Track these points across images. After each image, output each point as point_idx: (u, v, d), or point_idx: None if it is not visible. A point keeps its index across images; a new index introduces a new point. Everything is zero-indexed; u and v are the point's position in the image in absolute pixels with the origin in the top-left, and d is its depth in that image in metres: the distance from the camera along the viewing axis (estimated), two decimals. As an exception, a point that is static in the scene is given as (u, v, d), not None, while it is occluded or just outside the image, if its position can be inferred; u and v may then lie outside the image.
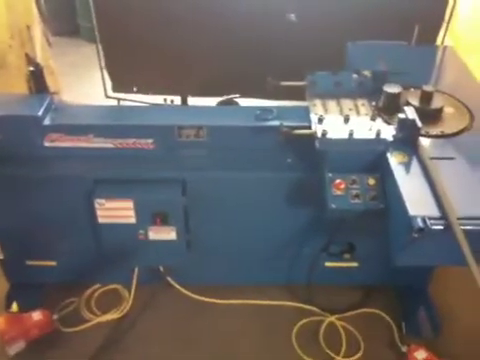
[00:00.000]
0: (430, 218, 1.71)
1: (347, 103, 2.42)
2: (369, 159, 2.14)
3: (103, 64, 4.14)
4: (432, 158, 1.96)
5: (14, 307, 2.76)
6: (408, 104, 2.23)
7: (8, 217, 2.68)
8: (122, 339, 2.80)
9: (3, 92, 3.12)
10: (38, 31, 4.01)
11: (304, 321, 2.88)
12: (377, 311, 2.94)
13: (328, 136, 2.14)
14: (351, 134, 2.13)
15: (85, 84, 5.08)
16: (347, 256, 2.80)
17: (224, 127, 2.47)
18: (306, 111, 2.40)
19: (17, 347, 2.64)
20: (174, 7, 3.61)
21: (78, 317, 2.91)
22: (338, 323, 2.87)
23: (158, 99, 3.63)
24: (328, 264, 2.83)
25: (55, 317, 2.78)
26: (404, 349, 2.67)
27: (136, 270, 2.88)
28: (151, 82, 3.93)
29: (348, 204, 2.11)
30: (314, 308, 2.93)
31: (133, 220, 2.58)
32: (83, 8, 5.65)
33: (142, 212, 2.56)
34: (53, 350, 2.72)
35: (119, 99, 4.31)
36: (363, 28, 3.20)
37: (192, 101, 3.87)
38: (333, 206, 2.11)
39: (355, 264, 2.84)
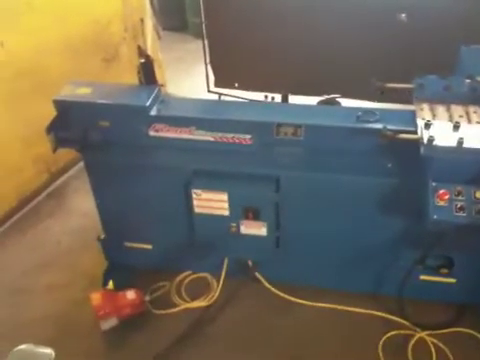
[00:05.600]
0: None
1: (458, 109, 2.28)
2: (478, 170, 2.01)
3: (207, 59, 4.26)
4: None
5: (110, 285, 2.91)
6: (527, 115, 2.07)
7: (111, 200, 2.85)
8: (206, 327, 2.86)
9: (114, 82, 3.30)
10: (150, 25, 4.21)
11: (393, 333, 2.76)
12: (472, 332, 2.74)
13: (435, 143, 2.03)
14: (460, 142, 2.00)
15: (189, 78, 5.26)
16: (444, 271, 2.65)
17: (323, 127, 2.42)
18: (412, 115, 2.30)
19: (110, 323, 2.77)
20: (280, 6, 3.62)
21: (167, 301, 3.01)
22: (429, 339, 2.72)
23: (258, 96, 3.67)
24: (423, 278, 2.70)
25: (147, 298, 2.89)
26: (500, 376, 2.49)
27: (226, 261, 2.94)
28: (252, 79, 3.98)
29: (451, 216, 2.00)
30: (404, 321, 2.80)
31: (227, 212, 2.64)
32: (192, 4, 5.83)
33: (235, 205, 2.62)
34: (142, 329, 2.84)
35: (220, 94, 4.42)
36: (477, 31, 3.01)
37: (292, 99, 3.86)
38: (435, 217, 2.01)
39: (452, 280, 2.68)
